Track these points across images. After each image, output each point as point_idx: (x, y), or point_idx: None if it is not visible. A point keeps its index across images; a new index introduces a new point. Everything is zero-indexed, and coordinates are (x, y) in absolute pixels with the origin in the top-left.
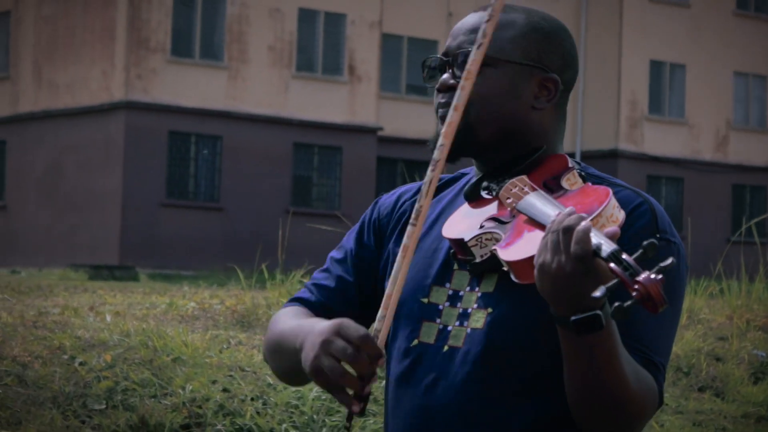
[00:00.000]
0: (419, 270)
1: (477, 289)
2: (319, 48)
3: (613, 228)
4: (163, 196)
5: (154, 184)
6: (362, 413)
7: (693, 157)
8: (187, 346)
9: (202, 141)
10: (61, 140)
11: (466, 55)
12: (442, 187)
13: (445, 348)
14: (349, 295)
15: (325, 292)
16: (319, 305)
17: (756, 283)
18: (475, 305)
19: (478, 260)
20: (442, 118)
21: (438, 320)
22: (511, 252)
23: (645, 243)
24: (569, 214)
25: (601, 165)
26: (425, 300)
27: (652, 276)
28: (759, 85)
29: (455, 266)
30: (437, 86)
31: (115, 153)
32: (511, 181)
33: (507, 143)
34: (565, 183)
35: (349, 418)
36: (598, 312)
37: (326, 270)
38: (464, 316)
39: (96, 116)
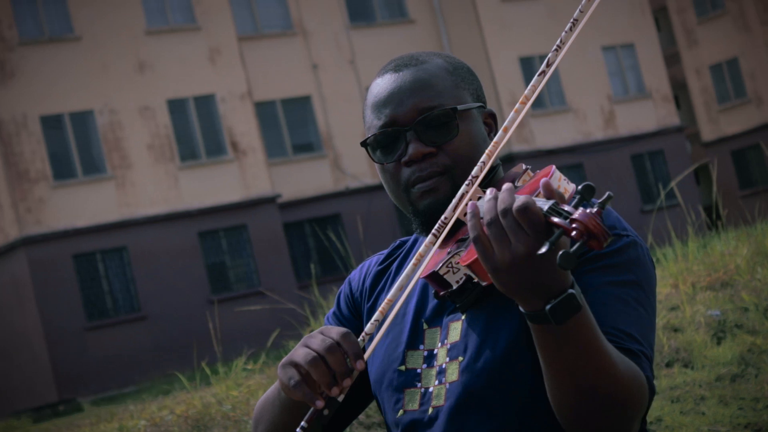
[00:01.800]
0: (391, 340)
1: (446, 342)
2: (197, 134)
3: (544, 180)
4: (84, 320)
5: (72, 311)
6: (325, 417)
7: (586, 140)
8: None
9: (107, 256)
10: None
11: (437, 116)
12: (384, 260)
13: (430, 410)
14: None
15: None
16: None
17: (689, 244)
18: (447, 359)
19: (455, 287)
20: (426, 193)
21: (419, 384)
22: (465, 256)
23: (579, 187)
24: (495, 199)
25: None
26: (402, 368)
27: (587, 210)
28: (628, 54)
29: (424, 326)
30: (407, 158)
31: (26, 291)
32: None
33: None
34: (519, 183)
35: (310, 417)
36: (572, 291)
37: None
38: (441, 372)
39: None
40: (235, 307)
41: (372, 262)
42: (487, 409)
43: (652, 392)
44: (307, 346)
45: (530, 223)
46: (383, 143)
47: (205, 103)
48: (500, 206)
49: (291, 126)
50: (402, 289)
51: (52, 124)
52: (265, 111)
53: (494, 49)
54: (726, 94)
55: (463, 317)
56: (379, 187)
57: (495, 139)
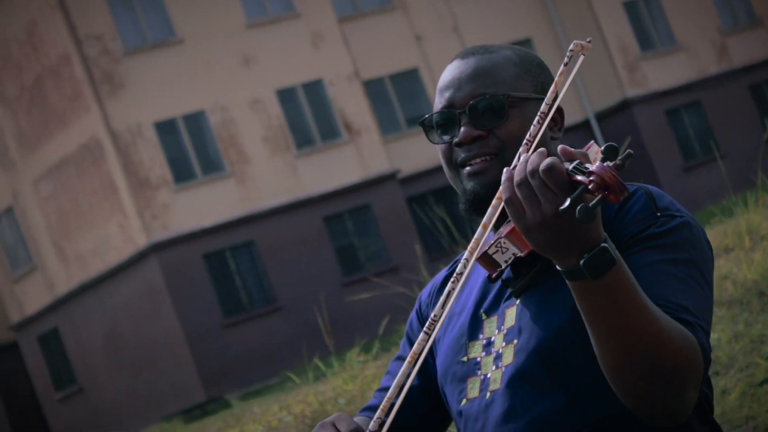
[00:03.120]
0: (454, 335)
1: (503, 327)
2: (309, 120)
3: (561, 146)
4: (222, 317)
5: (209, 311)
6: None
7: (700, 76)
8: None
9: (236, 252)
10: (108, 306)
11: (489, 101)
12: (447, 276)
13: (488, 395)
14: (412, 393)
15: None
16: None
17: None
18: (504, 343)
19: (503, 265)
20: (473, 174)
21: (479, 372)
22: (504, 227)
23: (603, 147)
24: (526, 162)
25: (619, 119)
26: (465, 358)
27: (605, 164)
28: None
29: (483, 317)
30: (458, 140)
31: (161, 296)
32: None
33: None
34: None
35: None
36: (605, 245)
37: (389, 372)
38: (498, 357)
39: (130, 270)
40: (369, 288)
41: (438, 278)
42: (539, 387)
43: (707, 361)
44: None
45: (556, 181)
46: (440, 124)
47: (314, 89)
48: (529, 167)
49: (402, 101)
50: (397, 387)
51: (166, 129)
52: (374, 89)
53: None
54: None
55: (517, 302)
56: None
57: (475, 236)
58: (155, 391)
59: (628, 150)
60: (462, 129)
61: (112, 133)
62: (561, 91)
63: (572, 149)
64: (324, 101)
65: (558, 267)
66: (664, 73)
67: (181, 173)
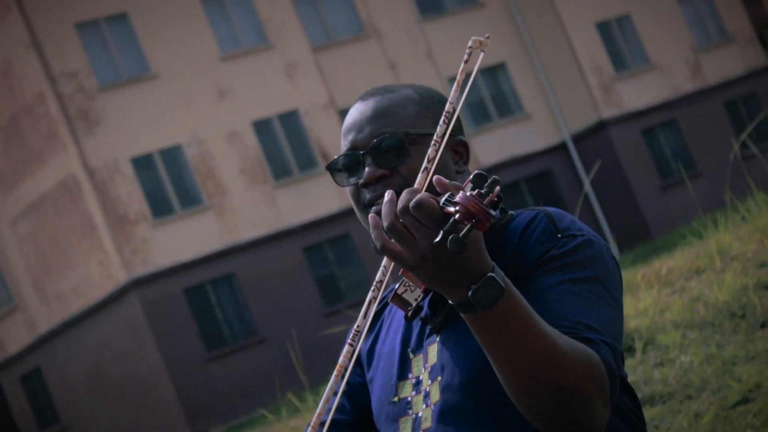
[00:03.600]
0: (385, 375)
1: (427, 365)
2: (286, 151)
3: (436, 176)
4: (204, 351)
5: (191, 345)
6: None
7: (675, 95)
8: None
9: (217, 285)
10: (90, 343)
11: (389, 140)
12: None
13: None
14: (345, 403)
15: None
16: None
17: None
18: (429, 381)
19: (413, 304)
20: (380, 213)
21: (410, 411)
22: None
23: (471, 176)
24: (392, 202)
25: (595, 140)
26: (396, 399)
27: (468, 194)
28: (705, 1)
29: (411, 355)
30: (363, 181)
31: (143, 332)
32: None
33: None
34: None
35: None
36: (491, 274)
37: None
38: (426, 396)
39: (111, 307)
40: (350, 319)
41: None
42: (467, 421)
43: (614, 377)
44: None
45: (427, 216)
46: (346, 166)
47: (290, 119)
48: (399, 206)
49: None
50: (325, 401)
51: (143, 164)
52: None
53: (569, 18)
54: None
55: (437, 339)
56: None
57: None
58: (139, 428)
59: (494, 176)
60: (366, 170)
61: (88, 169)
62: (463, 93)
63: (446, 180)
64: (300, 131)
65: (450, 301)
66: (639, 93)
67: (160, 208)
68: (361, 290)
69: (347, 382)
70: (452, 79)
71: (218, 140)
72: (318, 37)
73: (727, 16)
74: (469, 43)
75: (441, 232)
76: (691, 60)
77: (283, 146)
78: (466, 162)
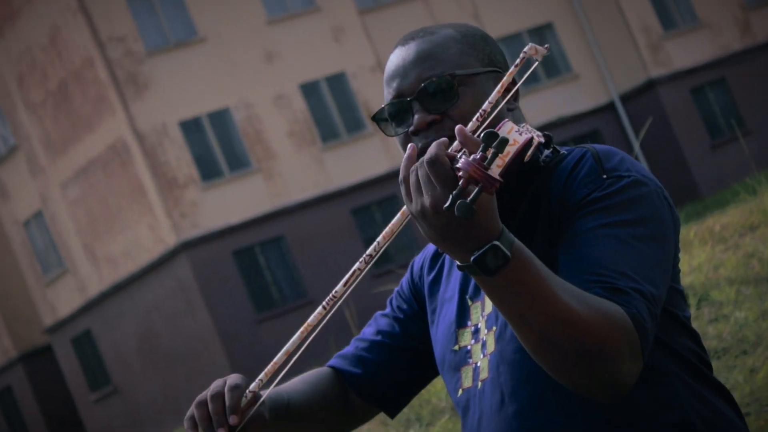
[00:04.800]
0: (445, 322)
1: (484, 314)
2: (334, 113)
3: (458, 126)
4: (254, 313)
5: (241, 307)
6: None
7: (724, 53)
8: None
9: (266, 248)
10: (140, 306)
11: (437, 84)
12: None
13: (479, 385)
14: (387, 346)
15: (362, 344)
16: (353, 358)
17: None
18: (486, 330)
19: None
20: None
21: (470, 361)
22: None
23: (482, 135)
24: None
25: (643, 99)
26: (456, 347)
27: (471, 158)
28: None
29: (469, 302)
30: (413, 128)
31: (193, 294)
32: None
33: None
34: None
35: None
36: (495, 242)
37: (370, 324)
38: (484, 345)
39: (161, 269)
40: (397, 279)
41: (431, 247)
42: (521, 373)
43: (644, 330)
44: (209, 388)
45: (437, 175)
46: (394, 116)
47: (338, 82)
48: (425, 156)
49: None
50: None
51: (191, 128)
52: None
53: None
54: None
55: None
56: None
57: (392, 224)
58: (190, 389)
59: (500, 137)
60: (415, 117)
61: (138, 134)
62: (505, 97)
63: (467, 134)
64: (348, 94)
65: (456, 262)
66: (687, 52)
67: (208, 171)
68: (410, 252)
69: (404, 312)
70: (500, 39)
71: (266, 103)
72: None
73: None
74: (525, 49)
75: (450, 197)
76: (740, 18)
77: (331, 109)
78: (516, 98)
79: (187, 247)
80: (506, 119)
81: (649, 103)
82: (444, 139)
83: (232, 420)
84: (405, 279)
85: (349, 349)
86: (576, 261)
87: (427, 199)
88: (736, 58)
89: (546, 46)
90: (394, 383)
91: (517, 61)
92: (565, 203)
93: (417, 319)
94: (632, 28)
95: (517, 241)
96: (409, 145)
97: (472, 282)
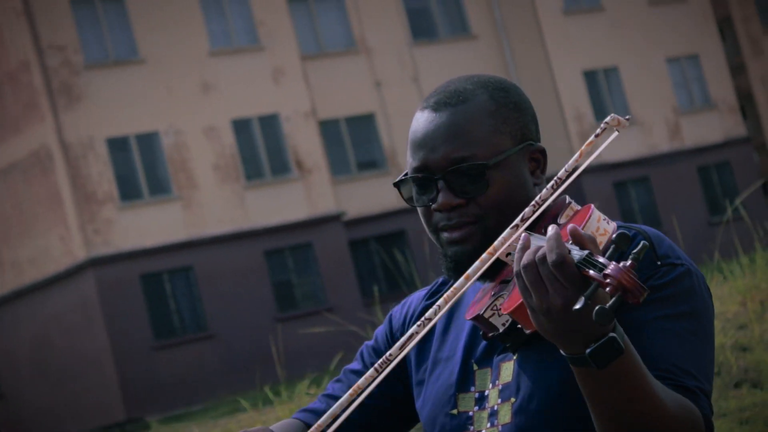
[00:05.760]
0: (441, 383)
1: (497, 382)
2: (261, 153)
3: (572, 226)
4: (152, 339)
5: (140, 330)
6: None
7: (651, 152)
8: None
9: (174, 276)
10: (39, 314)
11: (467, 169)
12: (429, 296)
13: None
14: (363, 403)
15: (332, 402)
16: (322, 414)
17: (757, 259)
18: (499, 400)
19: (501, 330)
20: (453, 242)
21: (471, 428)
22: (507, 304)
23: (614, 236)
24: (536, 247)
25: (569, 187)
26: (454, 411)
27: (620, 265)
28: (693, 65)
29: (474, 367)
30: (436, 207)
31: (94, 311)
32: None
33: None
34: (562, 219)
35: None
36: (613, 334)
37: (339, 380)
38: (493, 414)
39: (65, 281)
40: (302, 326)
41: (415, 298)
42: None
43: (710, 429)
44: None
45: (565, 276)
46: (416, 185)
47: (270, 123)
48: (539, 254)
49: (355, 143)
50: (403, 348)
51: (118, 146)
52: (329, 129)
53: (558, 63)
54: None
55: (514, 357)
56: None
57: (455, 285)
58: (77, 405)
59: (643, 242)
60: (440, 195)
61: (63, 144)
62: (583, 164)
63: (581, 232)
64: (278, 136)
65: (562, 352)
66: (616, 145)
67: (128, 191)
68: (316, 300)
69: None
70: None
71: (196, 133)
72: (309, 45)
73: (713, 83)
74: (607, 119)
75: (582, 298)
76: (672, 120)
77: (260, 148)
78: (543, 170)
79: (95, 263)
80: (591, 205)
81: (572, 190)
82: (561, 232)
83: None
84: (380, 332)
85: (316, 404)
86: (638, 351)
87: (556, 299)
88: (661, 159)
89: (627, 117)
90: None
91: (598, 130)
92: None
93: (391, 377)
94: (566, 114)
95: (624, 334)
96: (523, 235)
97: (480, 346)
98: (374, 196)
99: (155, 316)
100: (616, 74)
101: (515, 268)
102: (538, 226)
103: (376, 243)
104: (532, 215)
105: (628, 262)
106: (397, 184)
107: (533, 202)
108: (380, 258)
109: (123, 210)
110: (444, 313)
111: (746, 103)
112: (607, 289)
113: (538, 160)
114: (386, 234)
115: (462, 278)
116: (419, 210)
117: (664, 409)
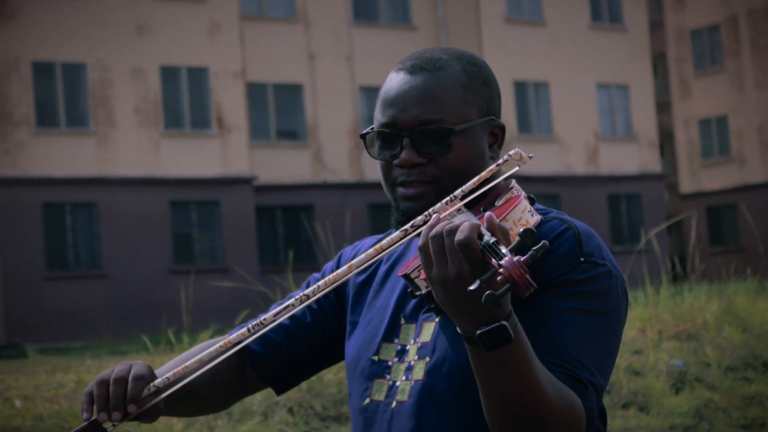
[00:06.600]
0: (371, 329)
1: (418, 340)
2: (185, 104)
3: (488, 213)
4: (44, 268)
5: (34, 258)
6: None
7: (566, 172)
8: None
9: (76, 210)
10: None
11: (434, 131)
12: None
13: (394, 404)
14: (292, 331)
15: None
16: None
17: (662, 292)
18: (416, 357)
19: (423, 291)
20: (408, 197)
21: (388, 377)
22: (411, 262)
23: (521, 231)
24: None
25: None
26: (375, 357)
27: (514, 259)
28: (622, 95)
29: (402, 321)
30: (398, 162)
31: None
32: (446, 208)
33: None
34: (499, 201)
35: (79, 429)
36: (504, 322)
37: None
38: (409, 369)
39: None
40: (195, 281)
41: (366, 243)
42: (446, 411)
43: (591, 422)
44: (112, 369)
45: (468, 257)
46: (381, 140)
47: (198, 76)
48: (447, 227)
49: (279, 111)
50: (331, 283)
51: (43, 71)
52: (255, 92)
53: (491, 65)
54: (711, 149)
55: (437, 319)
56: (355, 186)
57: (385, 242)
58: None
59: (544, 241)
60: (403, 152)
61: None
62: (478, 190)
63: (496, 222)
64: (204, 90)
65: (458, 329)
66: (533, 160)
67: (46, 118)
68: (213, 258)
69: (318, 302)
70: (363, 88)
71: (123, 73)
72: (250, 5)
73: (638, 115)
74: (511, 152)
75: (478, 281)
76: (591, 145)
77: (183, 98)
78: (500, 146)
79: (0, 184)
80: (522, 194)
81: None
82: (477, 222)
83: (131, 408)
84: (329, 267)
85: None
86: (542, 340)
87: (452, 270)
88: (574, 181)
89: (531, 155)
90: (290, 366)
91: (500, 160)
92: (540, 274)
93: (329, 311)
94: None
95: (518, 323)
96: (434, 215)
97: (412, 302)
98: (289, 166)
99: (51, 247)
100: (546, 90)
101: (421, 242)
102: (477, 205)
103: (283, 213)
104: (458, 198)
105: (523, 258)
106: (363, 136)
107: (463, 188)
108: (284, 228)
109: (37, 135)
110: (384, 266)
111: (666, 141)
112: (499, 278)
113: (497, 135)
114: (294, 206)
115: (378, 245)
116: (379, 164)
117: (546, 399)
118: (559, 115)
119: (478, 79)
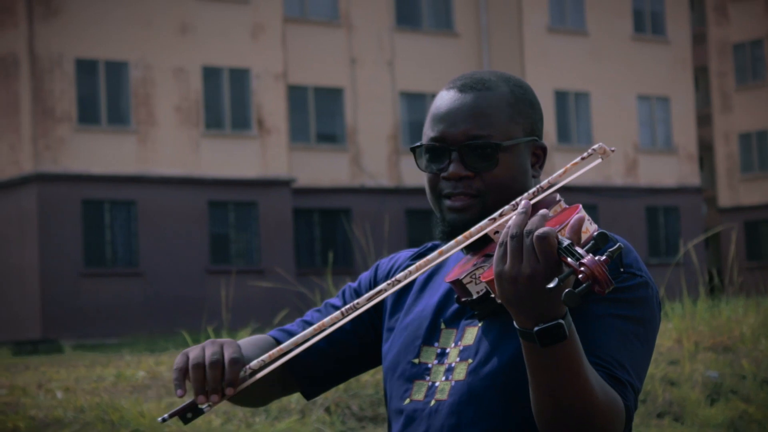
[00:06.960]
0: (410, 333)
1: (459, 343)
2: (225, 104)
3: (576, 218)
4: (82, 265)
5: (72, 254)
6: (186, 419)
7: (605, 183)
8: (144, 417)
9: (115, 207)
10: None
11: (481, 146)
12: (416, 257)
13: (432, 402)
14: (333, 336)
15: (308, 328)
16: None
17: (699, 304)
18: (458, 359)
19: (474, 296)
20: (453, 209)
21: (427, 378)
22: (486, 273)
23: (595, 233)
24: (523, 215)
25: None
26: (416, 360)
27: (596, 258)
28: (662, 107)
29: (442, 325)
30: (446, 175)
31: (29, 226)
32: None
33: None
34: (551, 213)
35: (174, 412)
36: (561, 321)
37: (319, 310)
38: (449, 370)
39: (7, 190)
40: (230, 281)
41: (403, 256)
42: (485, 409)
43: (630, 420)
44: (203, 349)
45: (544, 252)
46: (430, 153)
47: (240, 76)
48: (528, 226)
49: (319, 114)
50: (372, 299)
51: (86, 68)
52: (296, 95)
53: (532, 77)
54: (750, 164)
55: (479, 324)
56: (393, 191)
57: (424, 261)
58: None
59: (619, 243)
60: (451, 165)
61: (32, 54)
62: (564, 180)
63: (576, 229)
64: (245, 91)
65: (515, 323)
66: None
67: (87, 115)
68: (249, 259)
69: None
70: (404, 93)
71: (165, 72)
72: (294, 8)
73: (678, 128)
74: (595, 146)
75: (556, 279)
76: (631, 156)
77: (225, 99)
78: (542, 166)
79: (40, 179)
80: (579, 205)
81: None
82: (547, 212)
83: (228, 391)
84: (365, 277)
85: (293, 326)
86: (585, 341)
87: (526, 269)
88: (614, 192)
89: (613, 149)
90: (324, 371)
91: (585, 154)
92: None
93: (367, 320)
94: None
95: (573, 324)
96: (524, 202)
97: (451, 309)
98: (327, 169)
99: (89, 244)
100: (587, 100)
101: (504, 234)
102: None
103: (320, 216)
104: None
105: (603, 257)
106: (413, 149)
107: (524, 195)
108: (321, 231)
109: (78, 132)
110: (423, 274)
111: (705, 155)
112: (580, 276)
113: (539, 155)
114: (332, 209)
115: (435, 252)
116: (426, 177)
117: (593, 396)
118: (599, 126)
119: (523, 101)
